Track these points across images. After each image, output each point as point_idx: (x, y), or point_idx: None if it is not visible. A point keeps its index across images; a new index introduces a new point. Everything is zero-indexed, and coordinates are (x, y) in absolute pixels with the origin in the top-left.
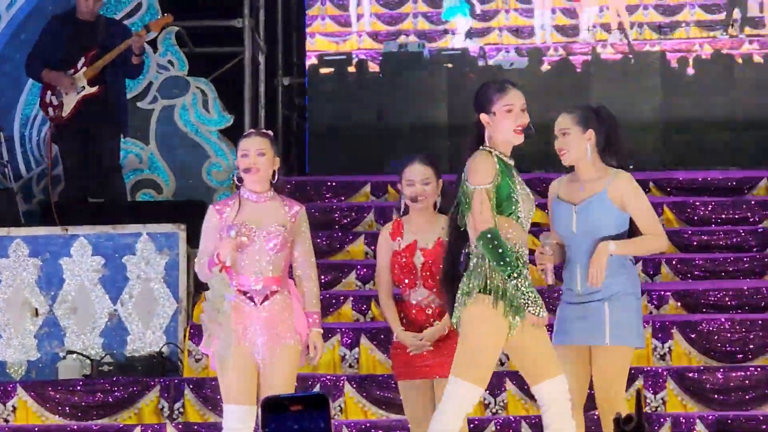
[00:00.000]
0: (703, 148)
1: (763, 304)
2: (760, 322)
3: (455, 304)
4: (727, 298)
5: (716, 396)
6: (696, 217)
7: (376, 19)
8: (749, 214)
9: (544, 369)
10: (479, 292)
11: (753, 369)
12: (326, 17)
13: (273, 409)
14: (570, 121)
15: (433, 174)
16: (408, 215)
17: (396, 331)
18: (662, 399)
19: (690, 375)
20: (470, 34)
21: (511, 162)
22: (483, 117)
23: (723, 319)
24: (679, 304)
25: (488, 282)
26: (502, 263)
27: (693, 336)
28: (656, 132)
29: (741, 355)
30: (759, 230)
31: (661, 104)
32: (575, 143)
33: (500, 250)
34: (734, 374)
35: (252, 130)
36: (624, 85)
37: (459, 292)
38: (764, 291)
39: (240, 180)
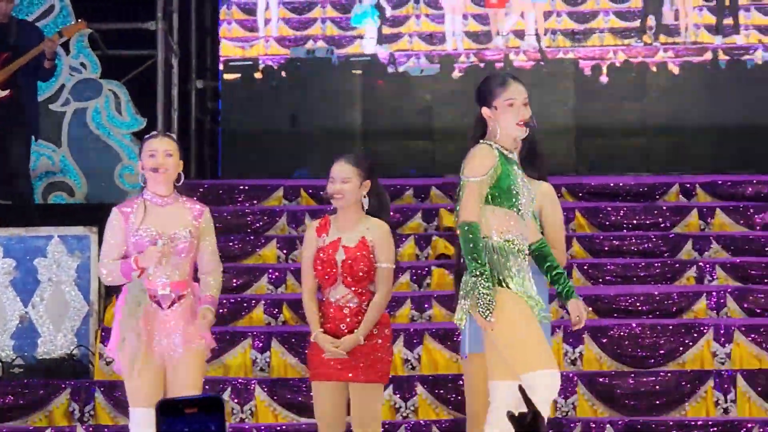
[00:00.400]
0: (615, 153)
1: (674, 309)
2: (670, 327)
3: (457, 305)
4: (638, 303)
5: (627, 401)
6: (608, 223)
7: (284, 24)
8: (660, 219)
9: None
10: (493, 284)
11: (663, 374)
12: (233, 22)
13: (167, 412)
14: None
15: (356, 174)
16: (336, 213)
17: (314, 332)
18: (572, 404)
19: (601, 380)
20: (380, 39)
21: (513, 156)
22: (484, 111)
23: (634, 324)
24: (590, 309)
25: (496, 272)
26: (471, 257)
27: (604, 341)
28: (569, 138)
29: (652, 360)
30: (670, 236)
31: (574, 110)
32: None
33: (472, 245)
34: (645, 379)
35: (156, 131)
36: (537, 91)
37: (461, 291)
38: (675, 296)
39: (144, 181)
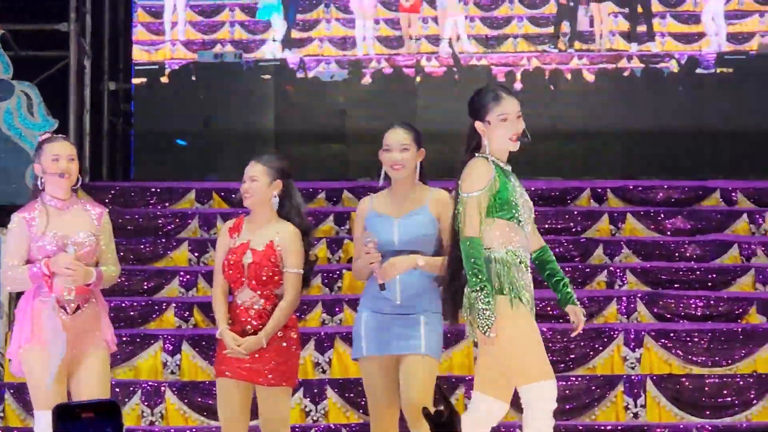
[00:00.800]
0: (527, 158)
1: (588, 314)
2: (581, 331)
3: (466, 318)
4: (549, 308)
5: None
6: None
7: (191, 27)
8: (572, 224)
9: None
10: (502, 294)
11: (574, 379)
12: (138, 25)
13: (64, 416)
14: (410, 138)
15: (265, 173)
16: (249, 214)
17: (220, 327)
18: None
19: None
20: (290, 44)
21: (508, 167)
22: (478, 125)
23: (545, 329)
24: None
25: (500, 283)
26: (472, 273)
27: None
28: None
29: (562, 365)
30: (581, 240)
31: None
32: (412, 159)
33: (474, 260)
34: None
35: (55, 135)
36: (449, 96)
37: (464, 300)
38: (586, 301)
39: (42, 185)
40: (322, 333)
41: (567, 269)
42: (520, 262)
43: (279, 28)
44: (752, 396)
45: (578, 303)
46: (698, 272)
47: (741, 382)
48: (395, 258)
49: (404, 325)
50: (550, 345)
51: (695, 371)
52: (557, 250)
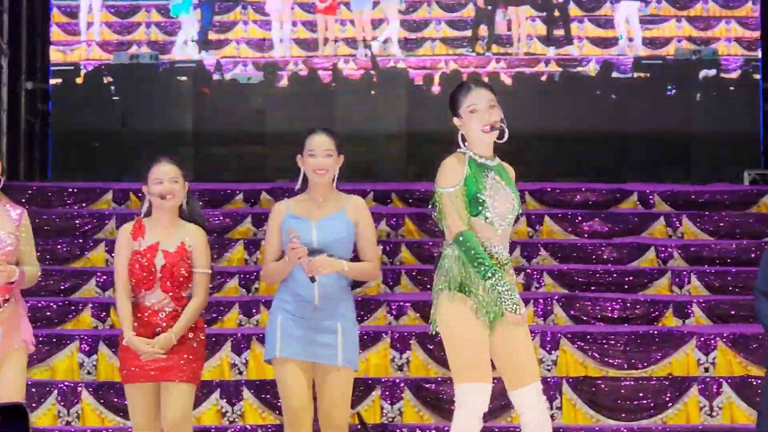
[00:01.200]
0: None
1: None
2: None
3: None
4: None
5: (452, 407)
6: (437, 228)
7: (106, 28)
8: None
9: (523, 376)
10: (449, 290)
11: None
12: (53, 25)
13: None
14: (333, 144)
15: (181, 175)
16: (151, 216)
17: (127, 335)
18: (399, 410)
19: (427, 386)
20: (206, 46)
21: (490, 162)
22: (455, 120)
23: None
24: (418, 314)
25: (461, 280)
26: (476, 264)
27: (431, 347)
28: (400, 145)
29: None
30: None
31: (405, 118)
32: (334, 165)
33: (473, 252)
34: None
35: None
36: (367, 99)
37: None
38: None
39: None
40: (239, 334)
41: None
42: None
43: (189, 28)
44: (668, 398)
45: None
46: (615, 275)
47: (657, 385)
48: (324, 258)
49: (321, 332)
50: None
51: (611, 374)
52: None
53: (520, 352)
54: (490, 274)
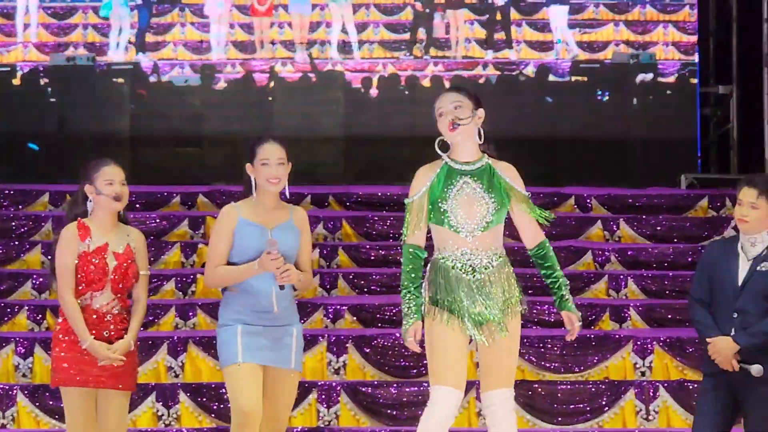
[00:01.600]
0: (383, 164)
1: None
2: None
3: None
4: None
5: (389, 411)
6: (374, 232)
7: (43, 29)
8: (428, 230)
9: (496, 379)
10: (428, 300)
11: (426, 384)
12: None
13: None
14: (285, 153)
15: (125, 178)
16: (92, 217)
17: (88, 340)
18: (335, 413)
19: (364, 389)
20: (143, 47)
21: (469, 167)
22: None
23: (398, 334)
24: (354, 318)
25: (438, 290)
26: (402, 277)
27: (368, 350)
28: (338, 148)
29: (414, 371)
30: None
31: (343, 121)
32: (286, 174)
33: (403, 267)
34: (407, 389)
35: None
36: (305, 101)
37: None
38: None
39: None
40: (175, 337)
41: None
42: (453, 267)
43: (117, 28)
44: (604, 402)
45: (574, 308)
46: None
47: (593, 389)
48: (292, 268)
49: (278, 336)
50: (403, 350)
51: (548, 377)
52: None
53: (497, 357)
54: (402, 293)
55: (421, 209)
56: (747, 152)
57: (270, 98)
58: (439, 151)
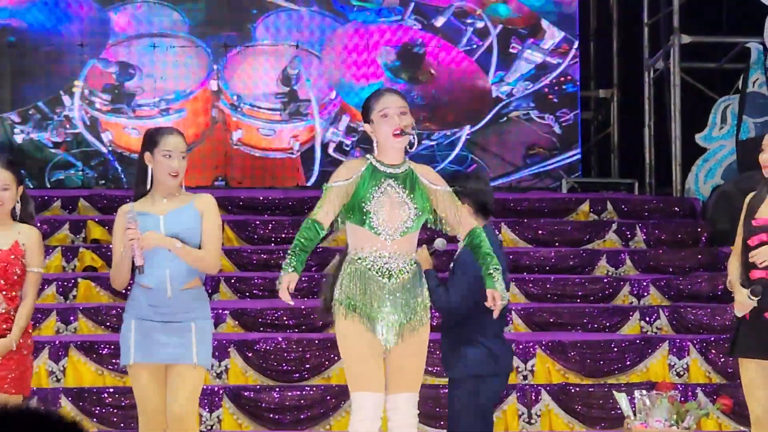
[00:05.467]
0: (265, 167)
1: (320, 323)
2: (316, 341)
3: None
4: (284, 318)
5: (271, 415)
6: (256, 236)
7: None
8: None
9: (402, 383)
10: (341, 305)
11: (309, 388)
12: None
13: None
14: (185, 148)
15: (13, 180)
16: None
17: None
18: (218, 417)
19: (246, 394)
20: None
21: (394, 169)
22: (366, 127)
23: (280, 338)
24: (236, 322)
25: (351, 295)
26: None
27: (250, 355)
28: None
29: (297, 375)
30: (318, 250)
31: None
32: (185, 168)
33: (296, 239)
34: (290, 393)
35: None
36: None
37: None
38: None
39: None
40: (57, 342)
41: (303, 279)
42: (370, 269)
43: None
44: None
45: (497, 285)
46: None
47: None
48: (149, 233)
49: (175, 333)
50: (285, 354)
51: (430, 381)
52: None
53: (406, 362)
54: (290, 252)
55: (338, 196)
56: (628, 156)
57: None
58: (372, 137)
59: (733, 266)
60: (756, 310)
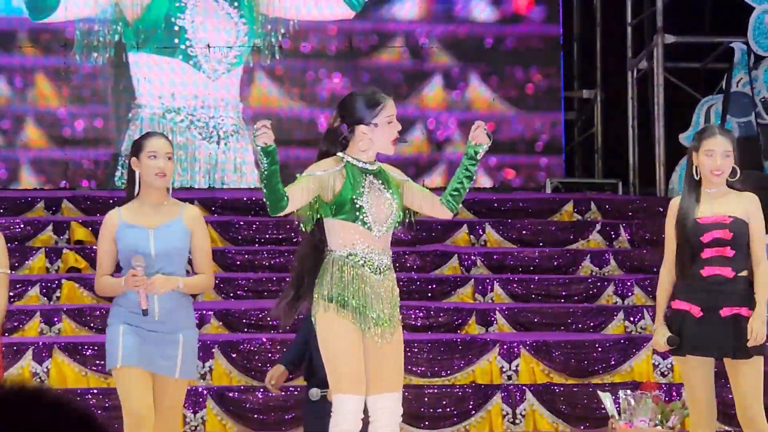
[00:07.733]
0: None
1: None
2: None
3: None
4: (269, 318)
5: (256, 416)
6: (240, 237)
7: None
8: (293, 234)
9: (386, 382)
10: (324, 300)
11: (293, 389)
12: None
13: None
14: (172, 147)
15: None
16: None
17: None
18: (202, 418)
19: (230, 395)
20: None
21: (370, 166)
22: (361, 128)
23: (264, 339)
24: (221, 323)
25: (336, 291)
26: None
27: (234, 355)
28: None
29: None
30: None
31: None
32: (173, 168)
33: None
34: (274, 394)
35: None
36: None
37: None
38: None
39: None
40: (41, 343)
41: (287, 279)
42: (362, 265)
43: None
44: (471, 406)
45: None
46: (418, 283)
47: (460, 393)
48: (160, 277)
49: (162, 344)
50: (269, 355)
51: (414, 381)
52: (278, 260)
53: (390, 360)
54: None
55: (314, 184)
56: (611, 156)
57: None
58: (360, 137)
59: (663, 288)
60: (710, 308)
